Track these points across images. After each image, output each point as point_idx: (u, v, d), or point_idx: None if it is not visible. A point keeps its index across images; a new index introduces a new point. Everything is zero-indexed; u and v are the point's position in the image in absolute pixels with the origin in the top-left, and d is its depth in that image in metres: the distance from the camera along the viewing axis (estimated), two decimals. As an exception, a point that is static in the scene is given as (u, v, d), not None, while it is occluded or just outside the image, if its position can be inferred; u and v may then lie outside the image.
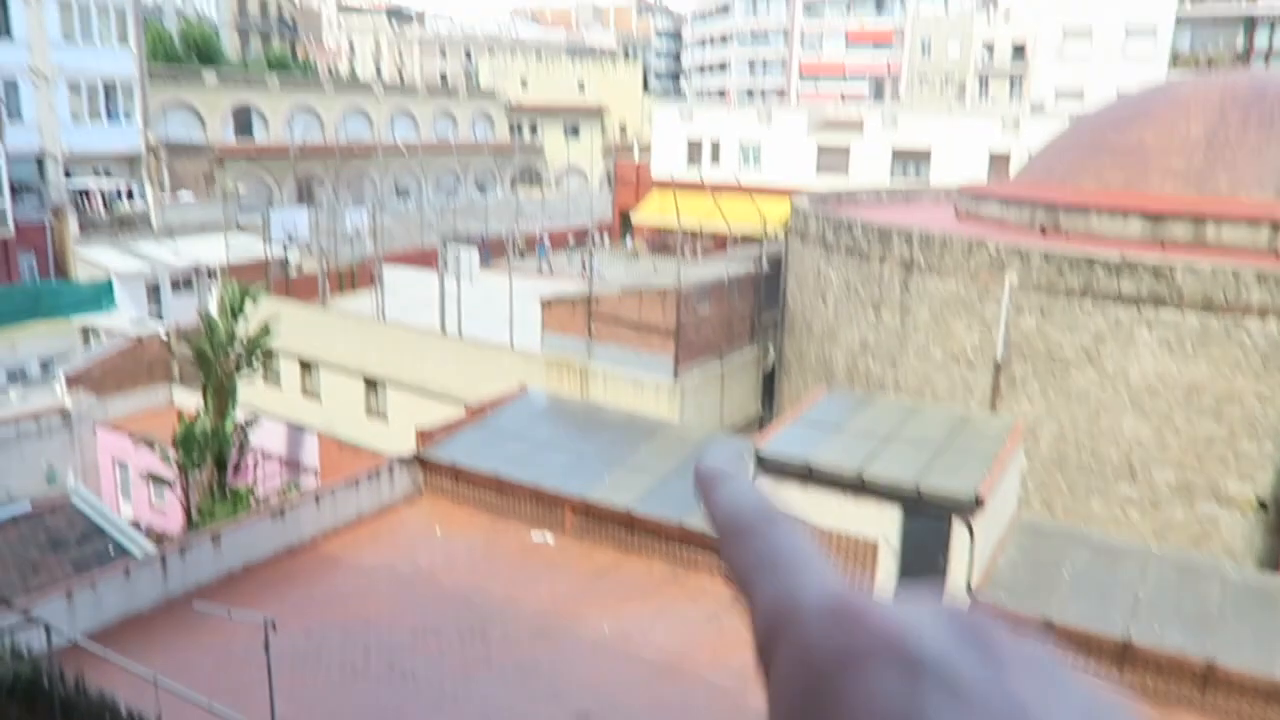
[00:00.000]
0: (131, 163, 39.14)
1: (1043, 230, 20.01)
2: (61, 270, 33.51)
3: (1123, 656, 10.46)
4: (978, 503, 11.26)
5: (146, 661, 10.22)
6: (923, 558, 11.63)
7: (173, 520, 20.37)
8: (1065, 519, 15.45)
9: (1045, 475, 16.24)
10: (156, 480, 19.80)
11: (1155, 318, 15.25)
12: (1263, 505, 14.64)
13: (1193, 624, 10.61)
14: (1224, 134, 21.08)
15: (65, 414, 23.07)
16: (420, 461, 15.41)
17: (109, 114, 38.23)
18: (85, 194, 35.38)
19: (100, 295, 30.91)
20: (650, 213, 40.43)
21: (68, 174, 36.61)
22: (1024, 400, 16.40)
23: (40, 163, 36.09)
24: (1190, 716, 10.04)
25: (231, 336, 20.54)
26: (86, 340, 27.86)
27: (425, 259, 32.44)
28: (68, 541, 15.21)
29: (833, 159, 39.70)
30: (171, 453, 19.24)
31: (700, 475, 0.49)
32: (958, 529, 11.43)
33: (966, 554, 11.38)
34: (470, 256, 24.32)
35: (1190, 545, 14.95)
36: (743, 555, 0.45)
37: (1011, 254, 16.62)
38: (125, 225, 35.42)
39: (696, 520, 13.12)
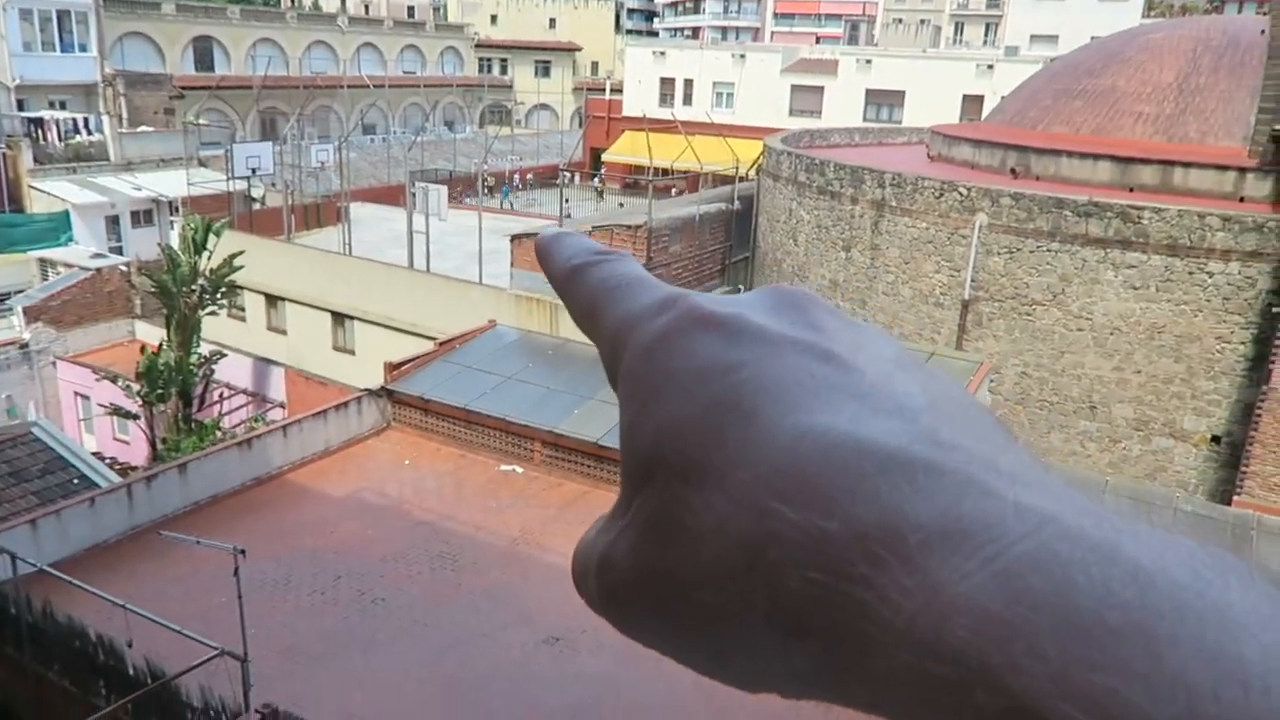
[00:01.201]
0: (88, 94, 37.97)
1: (1013, 172, 20.10)
2: (15, 202, 32.60)
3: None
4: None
5: (114, 589, 10.19)
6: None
7: (137, 453, 20.19)
8: (1026, 454, 15.78)
9: (1008, 411, 16.54)
10: (120, 413, 19.54)
11: (1121, 259, 15.46)
12: (1216, 440, 15.04)
13: (1145, 552, 10.95)
14: (1195, 80, 21.19)
15: (24, 347, 22.65)
16: (389, 394, 15.37)
17: (63, 43, 36.96)
18: (39, 125, 34.34)
19: (58, 228, 30.18)
20: (622, 151, 40.04)
21: (20, 104, 35.47)
22: (990, 338, 16.62)
23: (-9, 91, 34.94)
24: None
25: (194, 270, 20.19)
26: (44, 273, 27.23)
27: (392, 195, 31.96)
28: (30, 472, 15.02)
29: (806, 100, 39.43)
30: (135, 386, 19.00)
31: (540, 241, 0.47)
32: (922, 461, 11.64)
33: (930, 485, 11.61)
34: (439, 193, 24.00)
35: (1145, 478, 15.37)
36: (583, 290, 0.44)
37: (982, 195, 16.71)
38: (82, 157, 34.46)
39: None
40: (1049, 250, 15.99)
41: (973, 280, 16.71)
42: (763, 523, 0.31)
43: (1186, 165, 18.40)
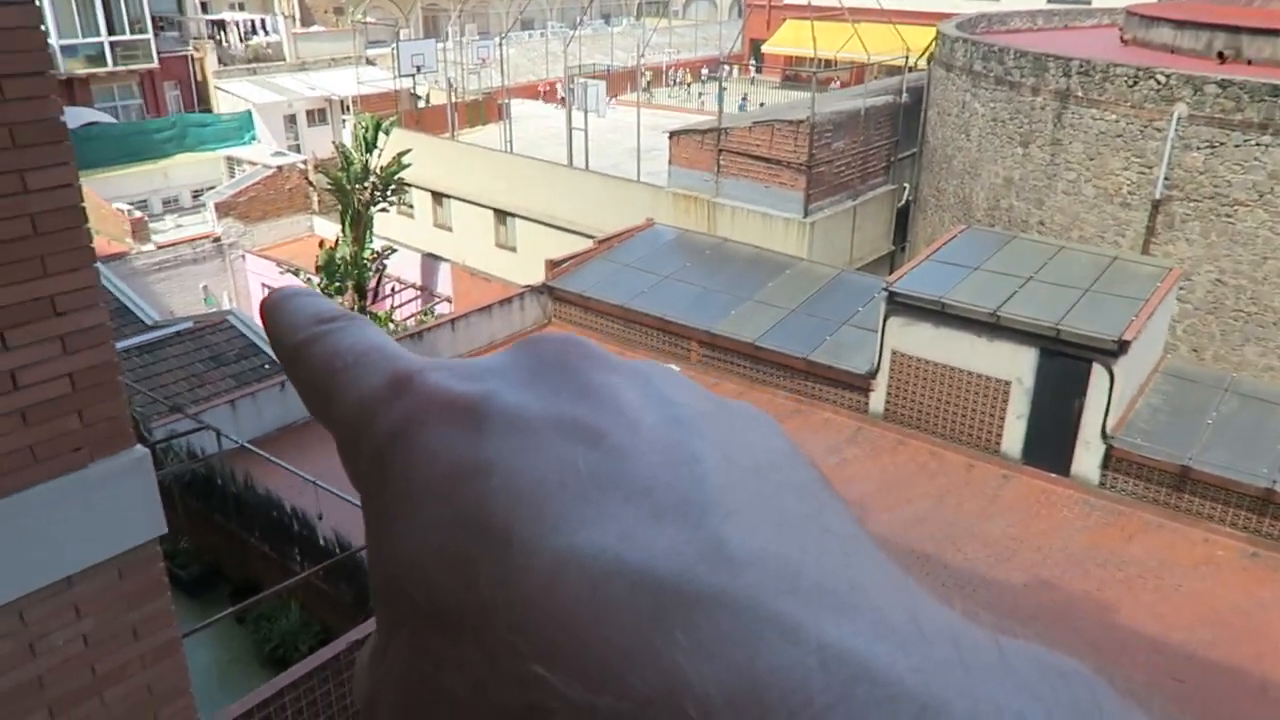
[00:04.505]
0: (263, -6, 39.42)
1: (1220, 57, 18.16)
2: (203, 103, 34.65)
3: (1264, 505, 10.11)
4: (1121, 347, 10.81)
5: (305, 467, 11.06)
6: (1058, 399, 11.33)
7: (319, 342, 21.61)
8: (1215, 366, 14.70)
9: (1197, 320, 15.38)
10: (303, 304, 20.87)
11: (1344, 153, 13.85)
12: None
13: (1348, 477, 10.11)
14: None
15: (217, 241, 24.40)
16: (550, 291, 15.75)
17: (239, -57, 38.30)
18: (221, 27, 36.06)
19: (241, 127, 31.94)
20: (783, 42, 38.52)
21: (204, 6, 37.27)
22: (1181, 242, 15.37)
23: (179, -5, 36.79)
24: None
25: (366, 168, 21.04)
26: (231, 171, 29.02)
27: (551, 92, 32.03)
28: (227, 357, 16.33)
29: (984, -20, 36.57)
30: (315, 279, 20.22)
31: (264, 308, 0.38)
32: (1097, 372, 11.04)
33: (1104, 398, 11.02)
34: (598, 89, 23.89)
35: (1354, 398, 14.06)
36: (309, 372, 0.35)
37: (1183, 83, 15.21)
38: (260, 58, 36.10)
39: (822, 355, 13.08)
40: (1258, 144, 14.48)
41: (1166, 178, 15.38)
42: (524, 693, 0.24)
43: None
